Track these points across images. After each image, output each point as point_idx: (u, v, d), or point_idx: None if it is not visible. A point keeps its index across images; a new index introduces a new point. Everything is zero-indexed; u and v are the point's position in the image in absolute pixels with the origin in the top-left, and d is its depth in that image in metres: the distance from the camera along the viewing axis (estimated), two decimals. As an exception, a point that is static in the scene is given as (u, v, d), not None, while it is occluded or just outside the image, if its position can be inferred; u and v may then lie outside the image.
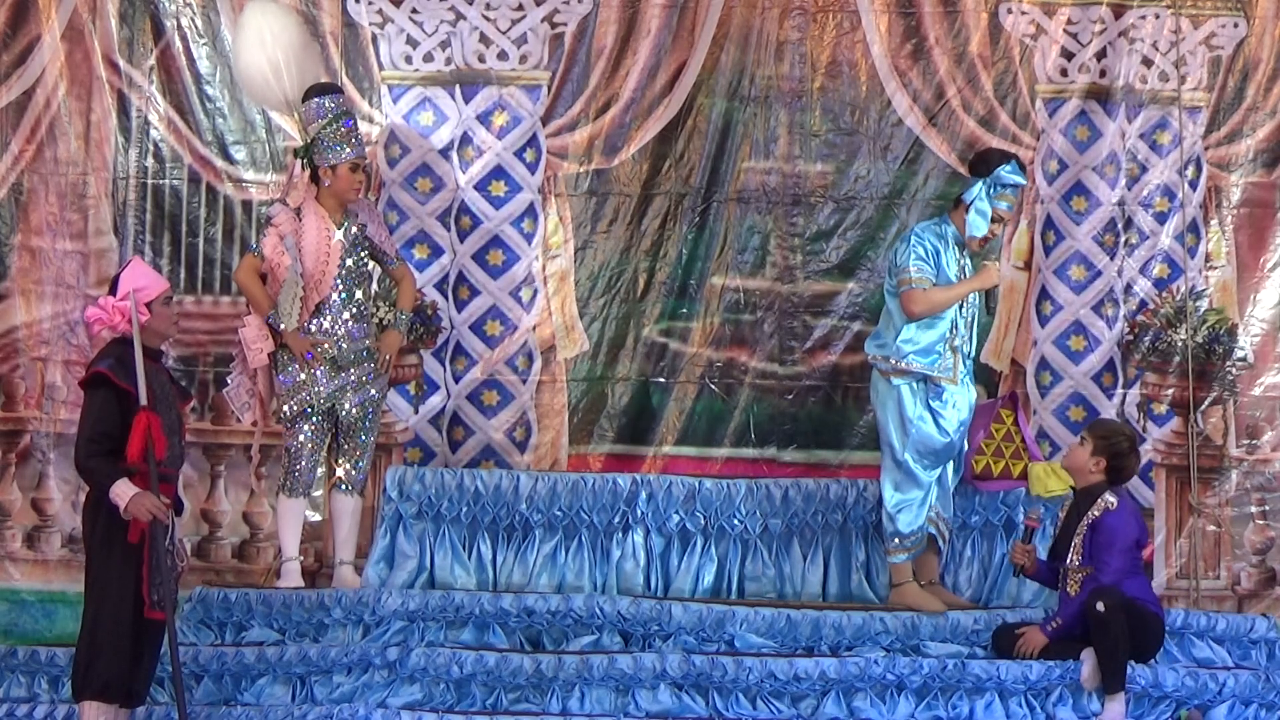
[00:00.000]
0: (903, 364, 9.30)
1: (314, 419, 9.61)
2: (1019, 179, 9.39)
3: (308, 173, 9.77)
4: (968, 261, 9.45)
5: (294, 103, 9.88)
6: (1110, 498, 8.81)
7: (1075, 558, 8.77)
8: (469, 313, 10.75)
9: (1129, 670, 8.55)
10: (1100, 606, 8.51)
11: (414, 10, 10.85)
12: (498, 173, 10.79)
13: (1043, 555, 9.14)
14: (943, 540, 9.48)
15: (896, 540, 9.37)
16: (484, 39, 10.85)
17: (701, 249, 10.78)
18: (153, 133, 10.82)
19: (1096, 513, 8.80)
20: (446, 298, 10.75)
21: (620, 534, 9.83)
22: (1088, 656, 8.59)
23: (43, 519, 10.70)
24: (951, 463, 9.50)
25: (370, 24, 10.84)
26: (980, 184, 9.34)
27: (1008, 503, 9.79)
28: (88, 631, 8.10)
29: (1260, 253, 10.82)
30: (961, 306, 9.37)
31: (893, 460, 9.36)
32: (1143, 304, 10.75)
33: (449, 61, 10.84)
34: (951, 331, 9.36)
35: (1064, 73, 10.82)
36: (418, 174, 10.82)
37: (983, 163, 9.45)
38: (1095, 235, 10.75)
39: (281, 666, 8.84)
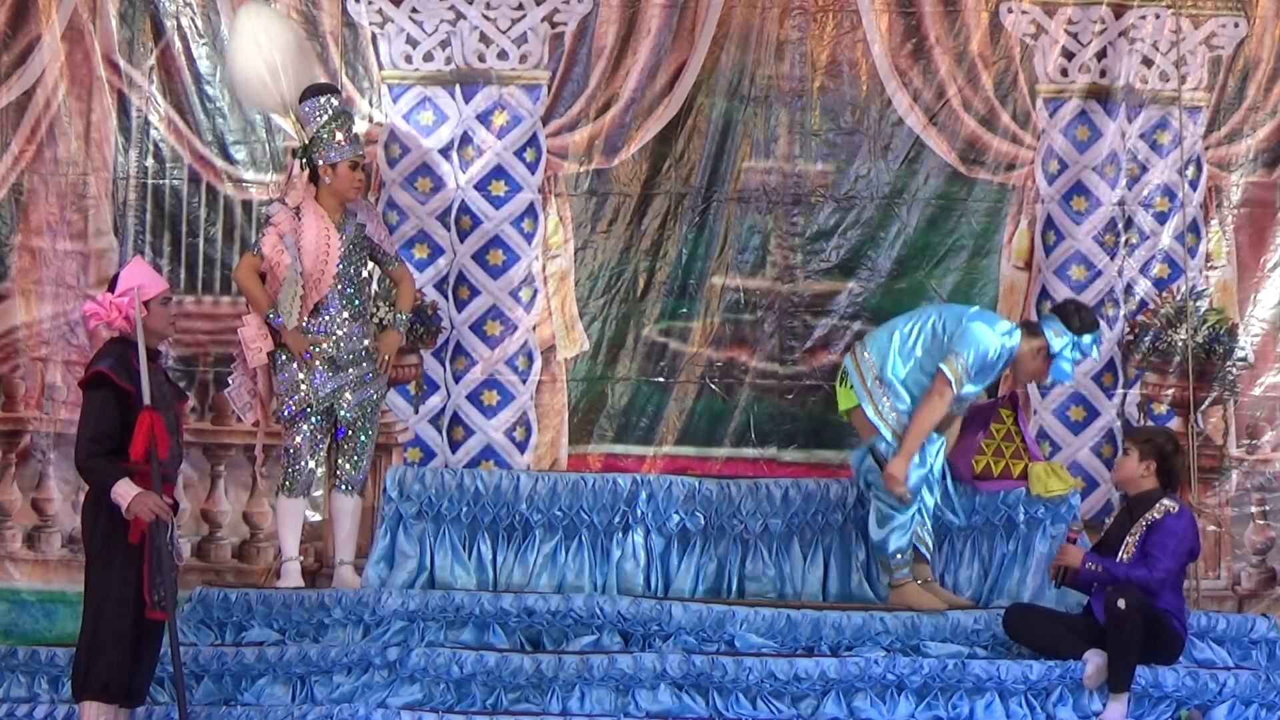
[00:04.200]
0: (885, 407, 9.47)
1: (313, 419, 9.61)
2: (1095, 354, 9.63)
3: (307, 172, 9.77)
4: None
5: (291, 104, 9.88)
6: (1170, 503, 8.83)
7: (1125, 556, 8.76)
8: (469, 313, 10.75)
9: (1132, 669, 8.58)
10: (1121, 604, 8.50)
11: (414, 10, 10.85)
12: (498, 172, 10.79)
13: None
14: (925, 548, 9.55)
15: (899, 556, 9.44)
16: (484, 38, 10.84)
17: (701, 249, 10.78)
18: (153, 133, 10.82)
19: (1157, 515, 8.80)
20: (446, 298, 10.74)
21: (620, 534, 9.83)
22: (1092, 656, 8.58)
23: (43, 519, 10.70)
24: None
25: (370, 24, 10.84)
26: (1068, 339, 9.41)
27: (1008, 503, 9.78)
28: (88, 631, 8.09)
29: (1260, 253, 10.82)
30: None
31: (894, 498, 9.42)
32: (1143, 304, 10.75)
33: (449, 61, 10.84)
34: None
35: (1064, 72, 10.82)
36: (418, 174, 10.81)
37: (1075, 317, 9.52)
38: (1095, 235, 10.75)
39: (281, 666, 8.84)
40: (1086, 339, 9.46)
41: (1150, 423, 10.63)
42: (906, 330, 9.49)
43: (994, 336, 9.36)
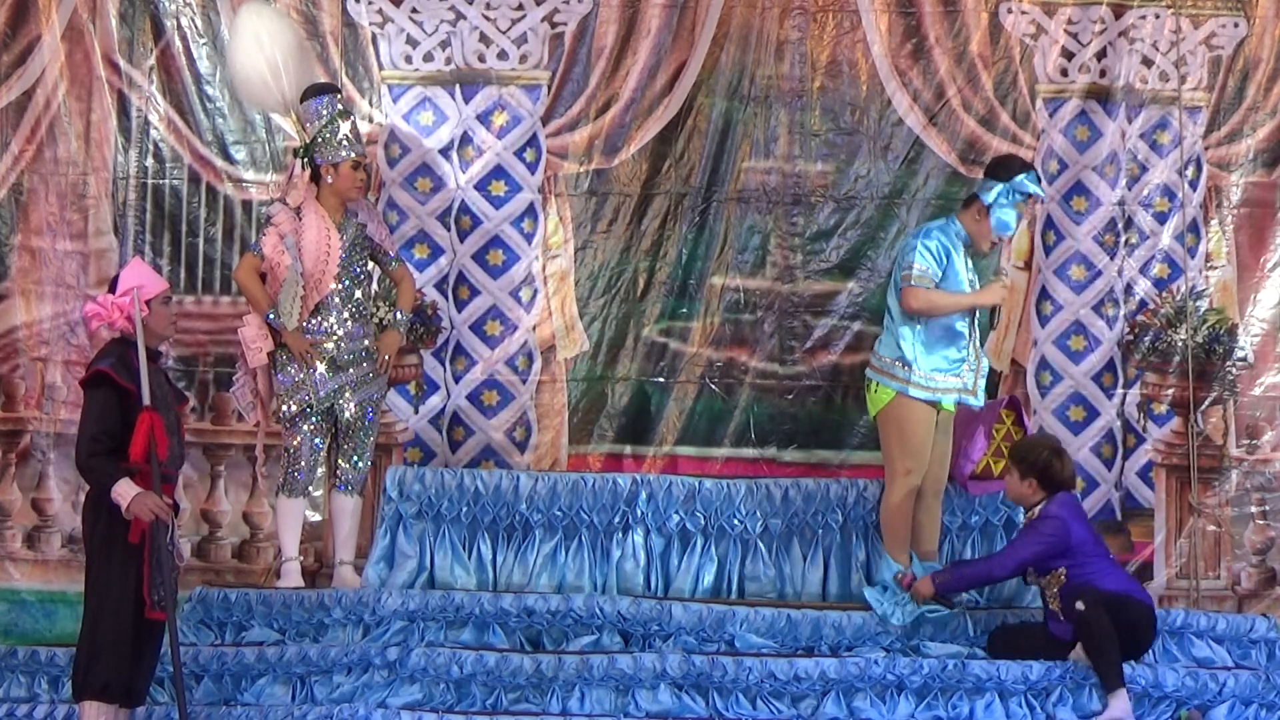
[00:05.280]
0: (925, 378, 9.18)
1: (313, 419, 9.61)
2: (1037, 190, 9.21)
3: (308, 173, 9.77)
4: (973, 266, 9.31)
5: (292, 103, 9.88)
6: (1044, 505, 8.81)
7: (1032, 573, 8.81)
8: (469, 313, 10.75)
9: (1129, 670, 8.54)
10: (1080, 605, 8.49)
11: (414, 10, 10.86)
12: (498, 172, 10.79)
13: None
14: None
15: None
16: (484, 39, 10.85)
17: (701, 249, 10.78)
18: (153, 133, 10.83)
19: (1029, 518, 8.87)
20: (446, 298, 10.75)
21: (620, 534, 9.82)
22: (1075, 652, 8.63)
23: (43, 519, 10.70)
24: None
25: (370, 24, 10.85)
26: (999, 187, 9.14)
27: (1008, 503, 9.78)
28: (88, 631, 8.09)
29: (1260, 253, 10.82)
30: (971, 323, 9.24)
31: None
32: (1143, 304, 10.76)
33: (449, 61, 10.85)
34: (970, 349, 9.24)
35: (1064, 72, 10.82)
36: (418, 174, 10.82)
37: (1003, 167, 9.23)
38: (1095, 235, 10.76)
39: (281, 666, 8.84)
40: (1019, 178, 9.17)
41: (1150, 423, 10.64)
42: (889, 307, 9.36)
43: (926, 230, 9.13)
